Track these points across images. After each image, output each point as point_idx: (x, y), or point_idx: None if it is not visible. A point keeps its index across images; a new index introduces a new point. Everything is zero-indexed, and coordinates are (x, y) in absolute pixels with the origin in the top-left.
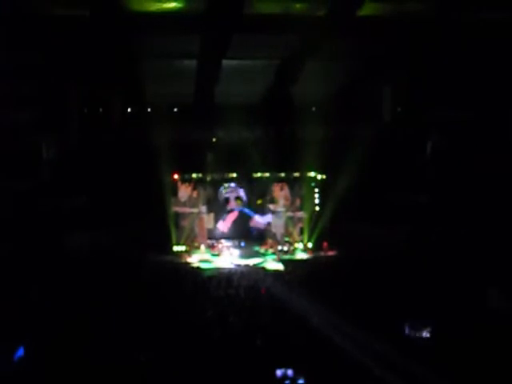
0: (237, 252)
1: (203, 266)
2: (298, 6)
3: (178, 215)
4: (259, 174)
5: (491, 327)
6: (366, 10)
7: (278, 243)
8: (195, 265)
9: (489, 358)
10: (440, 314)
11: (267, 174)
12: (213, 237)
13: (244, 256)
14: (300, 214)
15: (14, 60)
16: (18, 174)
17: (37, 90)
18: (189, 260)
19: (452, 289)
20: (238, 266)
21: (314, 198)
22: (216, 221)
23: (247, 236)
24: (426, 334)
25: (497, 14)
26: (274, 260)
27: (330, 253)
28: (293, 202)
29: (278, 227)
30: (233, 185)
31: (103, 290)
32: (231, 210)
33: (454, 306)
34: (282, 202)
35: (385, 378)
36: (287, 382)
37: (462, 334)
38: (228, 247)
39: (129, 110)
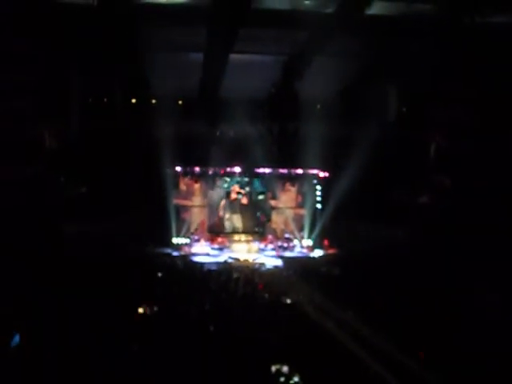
0: (236, 246)
1: (202, 259)
2: (306, 2)
3: (178, 208)
4: (261, 170)
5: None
6: (375, 9)
7: (278, 239)
8: (194, 258)
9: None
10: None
11: (269, 170)
12: (212, 231)
13: (243, 250)
14: (301, 210)
15: (17, 47)
16: (19, 163)
17: (40, 78)
18: (188, 253)
19: (451, 287)
20: (237, 260)
21: (316, 196)
22: (217, 215)
23: (247, 231)
24: None
25: (508, 17)
26: (273, 256)
27: (331, 250)
28: (294, 199)
29: (278, 223)
30: (235, 179)
31: (100, 280)
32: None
33: (452, 304)
34: (283, 198)
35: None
36: (282, 378)
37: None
38: (228, 241)
39: (133, 101)
